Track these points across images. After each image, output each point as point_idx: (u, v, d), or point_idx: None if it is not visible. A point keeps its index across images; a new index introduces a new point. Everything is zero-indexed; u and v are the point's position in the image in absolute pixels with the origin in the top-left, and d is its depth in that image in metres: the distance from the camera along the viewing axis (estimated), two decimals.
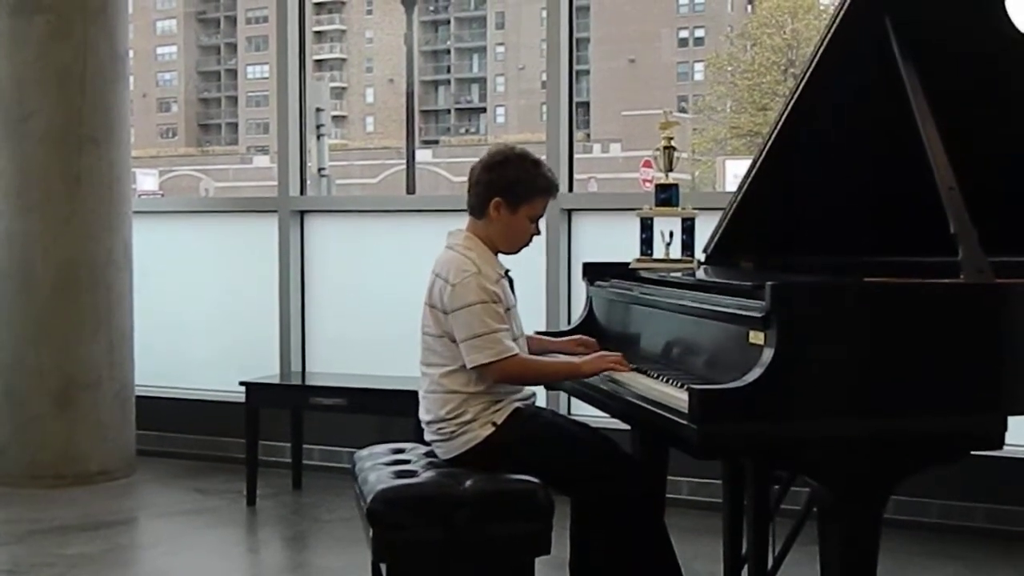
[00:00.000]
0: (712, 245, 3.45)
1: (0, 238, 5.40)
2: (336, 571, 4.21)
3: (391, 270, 5.73)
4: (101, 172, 5.43)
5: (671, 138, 3.48)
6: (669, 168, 3.49)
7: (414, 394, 3.27)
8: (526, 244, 3.25)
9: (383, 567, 3.02)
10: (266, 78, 44.57)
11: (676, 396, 2.61)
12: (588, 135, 37.40)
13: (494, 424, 3.07)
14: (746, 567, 3.26)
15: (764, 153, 3.23)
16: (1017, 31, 3.07)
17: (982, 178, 2.81)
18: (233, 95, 51.73)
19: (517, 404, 3.13)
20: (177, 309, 6.24)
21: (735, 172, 21.59)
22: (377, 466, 3.18)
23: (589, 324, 3.58)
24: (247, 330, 6.07)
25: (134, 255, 5.66)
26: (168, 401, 6.06)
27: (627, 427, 3.33)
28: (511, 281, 3.22)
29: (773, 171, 3.23)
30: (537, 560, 2.97)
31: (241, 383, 5.16)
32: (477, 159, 3.26)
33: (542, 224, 3.26)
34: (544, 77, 5.54)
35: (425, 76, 47.91)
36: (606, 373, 3.07)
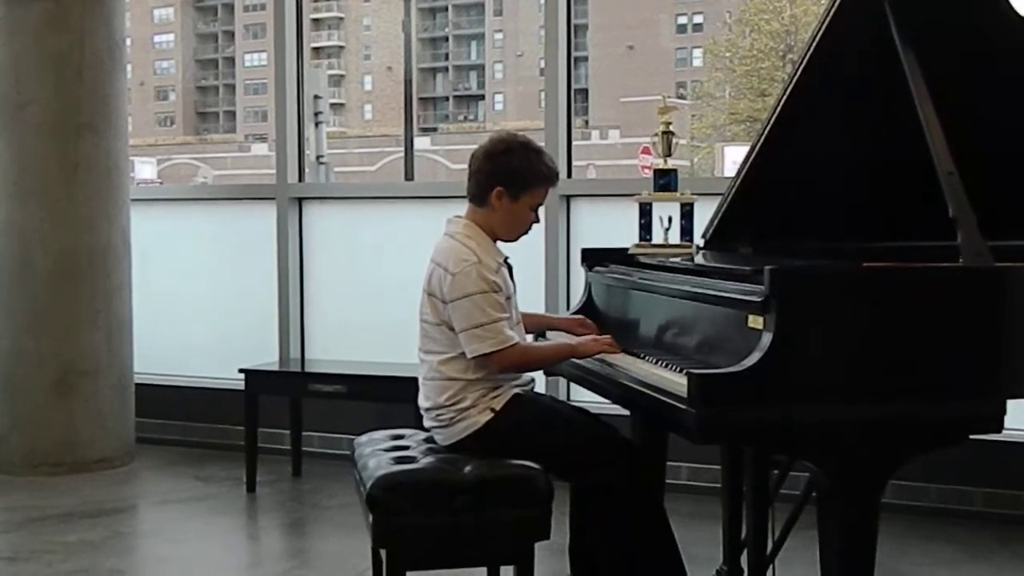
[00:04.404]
0: (711, 230, 3.45)
1: None
2: (336, 557, 4.22)
3: (390, 257, 5.74)
4: (99, 160, 5.42)
5: (669, 123, 3.48)
6: (668, 153, 3.49)
7: (413, 380, 3.27)
8: (525, 232, 3.24)
9: (383, 553, 3.02)
10: (264, 66, 44.46)
11: (675, 381, 2.61)
12: (587, 122, 37.33)
13: (493, 410, 3.08)
14: (745, 551, 3.27)
15: (762, 139, 3.23)
16: (1017, 15, 3.06)
17: (982, 162, 2.80)
18: (231, 83, 51.60)
19: (516, 390, 3.13)
20: (176, 297, 6.25)
21: (734, 158, 21.55)
22: (376, 452, 3.18)
23: (588, 310, 3.58)
24: (246, 317, 6.08)
25: (133, 243, 5.66)
26: (167, 388, 6.07)
27: (626, 412, 3.34)
28: (510, 268, 3.22)
29: (771, 156, 3.23)
30: (537, 545, 2.97)
31: (240, 370, 5.16)
32: (476, 146, 3.25)
33: (541, 212, 3.26)
34: (542, 64, 5.54)
35: (423, 63, 47.79)
36: (603, 358, 3.08)
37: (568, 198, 5.30)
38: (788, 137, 3.20)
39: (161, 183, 29.50)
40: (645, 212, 3.46)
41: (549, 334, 3.49)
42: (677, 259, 3.27)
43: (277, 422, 5.46)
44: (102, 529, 4.57)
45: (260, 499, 5.08)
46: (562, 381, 4.93)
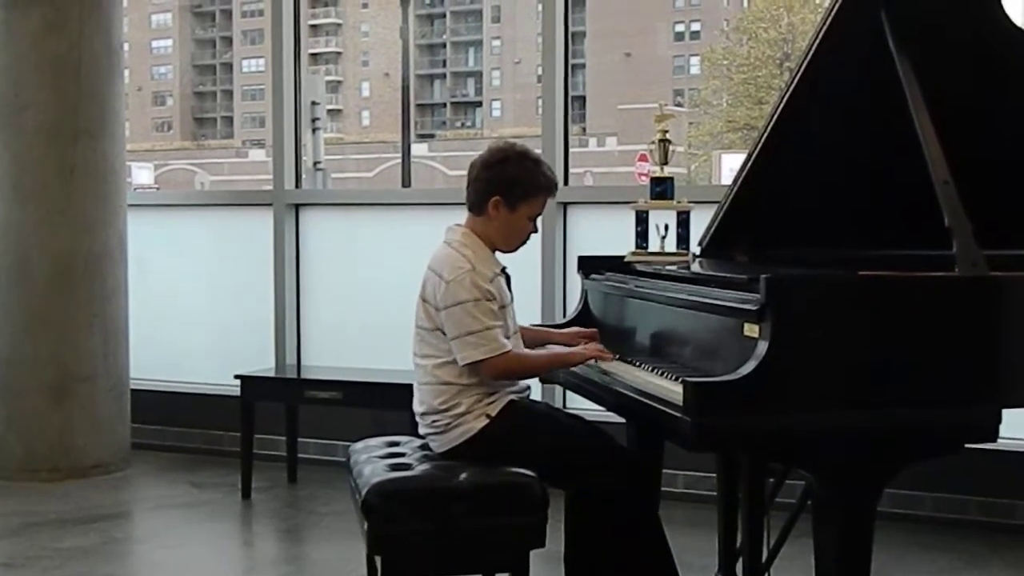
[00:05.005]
0: (707, 238, 3.46)
1: None
2: (331, 564, 4.21)
3: (386, 263, 5.73)
4: (96, 165, 5.42)
5: (666, 131, 3.48)
6: (664, 161, 3.49)
7: (409, 387, 3.27)
8: (523, 243, 3.24)
9: (378, 560, 3.02)
10: (262, 72, 44.47)
11: (671, 389, 2.61)
12: (584, 129, 37.35)
13: (488, 416, 3.07)
14: (741, 560, 3.27)
15: (759, 147, 3.24)
16: (1013, 24, 3.07)
17: (978, 171, 2.81)
18: (229, 89, 51.61)
19: (512, 396, 3.13)
20: (172, 302, 6.24)
21: (731, 166, 21.57)
22: (372, 459, 3.18)
23: (584, 317, 3.58)
24: (242, 323, 6.07)
25: (129, 248, 5.65)
26: (163, 394, 6.06)
27: (622, 420, 3.33)
28: (508, 279, 3.22)
29: (768, 164, 3.23)
30: (532, 553, 2.97)
31: (236, 376, 5.16)
32: (473, 153, 3.26)
33: (539, 221, 3.26)
34: (540, 71, 5.54)
35: (421, 70, 47.84)
36: (598, 366, 3.08)
37: (565, 205, 5.30)
38: (785, 145, 3.20)
39: (158, 188, 29.50)
40: (641, 220, 3.46)
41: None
42: (673, 267, 3.28)
43: (273, 428, 5.45)
44: (97, 535, 4.56)
45: (255, 505, 5.07)
46: (558, 388, 4.93)
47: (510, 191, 3.14)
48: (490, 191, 3.15)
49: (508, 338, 3.11)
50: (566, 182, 5.39)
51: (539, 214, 3.22)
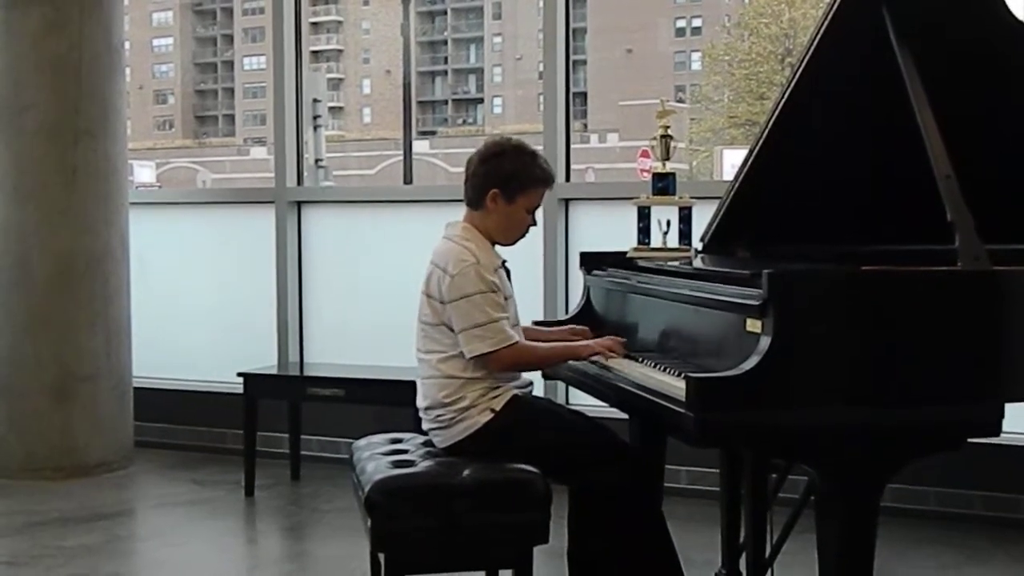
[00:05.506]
0: (709, 234, 3.45)
1: None
2: (334, 561, 4.22)
3: (388, 260, 5.73)
4: (97, 164, 5.42)
5: (668, 126, 3.47)
6: (666, 156, 3.49)
7: (412, 384, 3.27)
8: (522, 235, 3.25)
9: (381, 557, 3.02)
10: (263, 69, 44.51)
11: (673, 384, 2.61)
12: (585, 125, 37.38)
13: (492, 411, 3.08)
14: (744, 555, 3.27)
15: (761, 142, 3.23)
16: (1015, 18, 3.06)
17: (980, 166, 2.80)
18: (230, 87, 51.66)
19: (515, 391, 3.14)
20: (175, 300, 6.24)
21: (732, 161, 21.56)
22: (375, 456, 3.18)
23: (586, 313, 3.58)
24: (245, 321, 6.07)
25: (131, 247, 5.65)
26: (166, 392, 6.06)
27: (625, 416, 3.33)
28: (508, 272, 3.23)
29: (770, 160, 3.23)
30: (536, 549, 2.97)
31: (239, 374, 5.16)
32: (474, 150, 3.27)
33: (539, 215, 3.27)
34: (541, 67, 5.54)
35: (422, 67, 47.87)
36: (603, 361, 3.08)
37: (567, 201, 5.30)
38: (786, 141, 3.20)
39: (160, 187, 29.49)
40: (643, 216, 3.45)
41: None
42: (675, 263, 3.27)
43: (276, 426, 5.45)
44: (100, 533, 4.56)
45: (259, 503, 5.08)
46: (560, 384, 4.93)
47: (507, 184, 3.15)
48: (487, 184, 3.16)
49: (512, 328, 3.11)
50: (567, 178, 5.39)
51: (537, 206, 3.23)
